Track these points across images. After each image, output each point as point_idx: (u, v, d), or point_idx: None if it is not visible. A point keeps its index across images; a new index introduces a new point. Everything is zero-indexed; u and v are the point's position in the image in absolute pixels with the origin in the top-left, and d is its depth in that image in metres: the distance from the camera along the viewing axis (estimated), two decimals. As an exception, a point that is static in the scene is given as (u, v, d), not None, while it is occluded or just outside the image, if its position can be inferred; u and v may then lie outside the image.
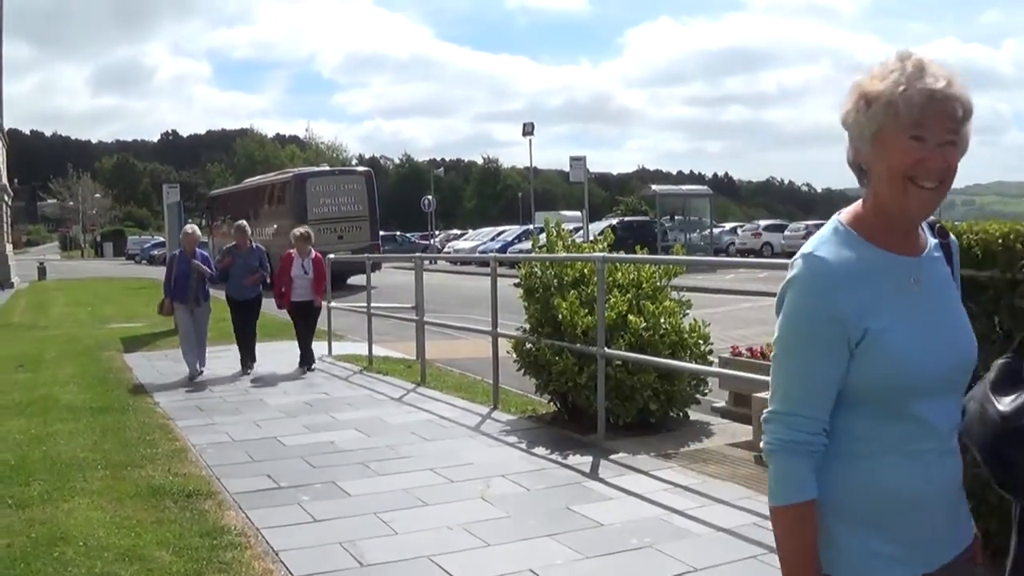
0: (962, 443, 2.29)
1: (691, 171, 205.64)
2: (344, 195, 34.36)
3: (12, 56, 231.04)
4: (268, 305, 14.67)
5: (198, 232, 14.31)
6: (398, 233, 76.22)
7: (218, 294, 14.38)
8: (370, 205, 34.53)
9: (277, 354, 14.73)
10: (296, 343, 14.10)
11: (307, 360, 14.02)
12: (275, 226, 33.01)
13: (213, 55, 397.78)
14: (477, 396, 10.95)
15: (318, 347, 15.13)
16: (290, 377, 13.35)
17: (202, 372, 13.46)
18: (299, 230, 14.60)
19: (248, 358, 14.09)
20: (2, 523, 6.41)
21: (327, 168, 41.36)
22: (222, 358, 14.54)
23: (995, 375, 2.39)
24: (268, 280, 14.37)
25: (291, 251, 14.26)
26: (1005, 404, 2.30)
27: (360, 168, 41.26)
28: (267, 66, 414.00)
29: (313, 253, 14.29)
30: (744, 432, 8.82)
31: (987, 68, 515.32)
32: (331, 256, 16.21)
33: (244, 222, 14.82)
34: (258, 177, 44.04)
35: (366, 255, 19.46)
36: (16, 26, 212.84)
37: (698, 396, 9.54)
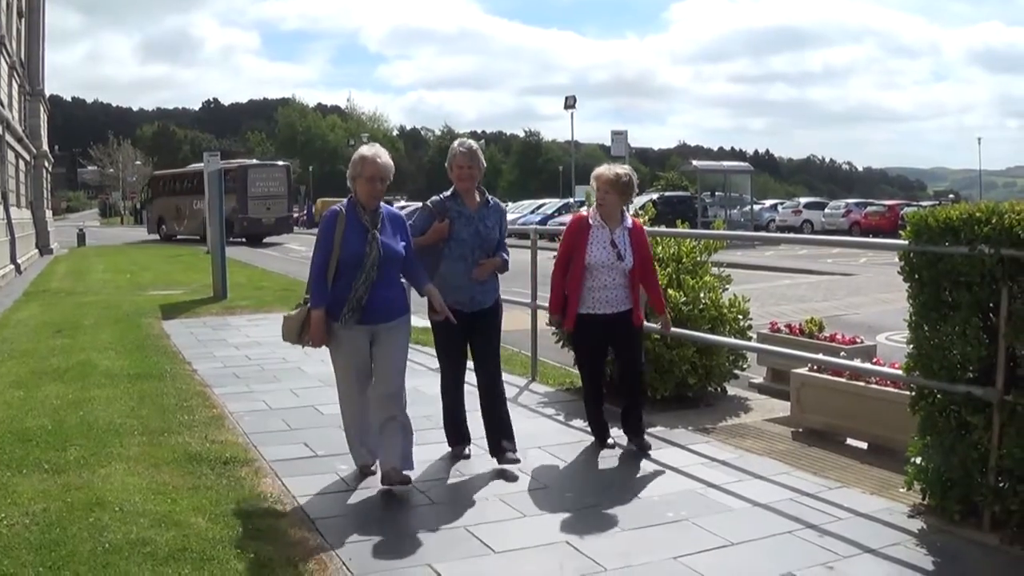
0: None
1: (732, 148, 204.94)
2: (272, 180, 48.87)
3: (60, 24, 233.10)
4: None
5: (391, 163, 6.60)
6: (437, 204, 76.20)
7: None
8: (288, 188, 50.18)
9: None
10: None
11: (639, 439, 7.57)
12: (230, 205, 40.37)
13: (262, 26, 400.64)
14: (515, 368, 10.89)
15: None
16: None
17: (408, 479, 6.50)
18: (609, 169, 7.50)
19: (500, 432, 7.27)
20: (38, 487, 6.43)
21: (261, 162, 56.33)
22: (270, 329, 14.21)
23: None
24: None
25: (582, 213, 7.81)
26: None
27: (280, 163, 54.71)
28: (314, 37, 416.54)
29: (630, 219, 7.70)
30: (782, 408, 8.76)
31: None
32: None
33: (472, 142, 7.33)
34: (223, 162, 54.43)
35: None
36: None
37: (736, 371, 9.50)
